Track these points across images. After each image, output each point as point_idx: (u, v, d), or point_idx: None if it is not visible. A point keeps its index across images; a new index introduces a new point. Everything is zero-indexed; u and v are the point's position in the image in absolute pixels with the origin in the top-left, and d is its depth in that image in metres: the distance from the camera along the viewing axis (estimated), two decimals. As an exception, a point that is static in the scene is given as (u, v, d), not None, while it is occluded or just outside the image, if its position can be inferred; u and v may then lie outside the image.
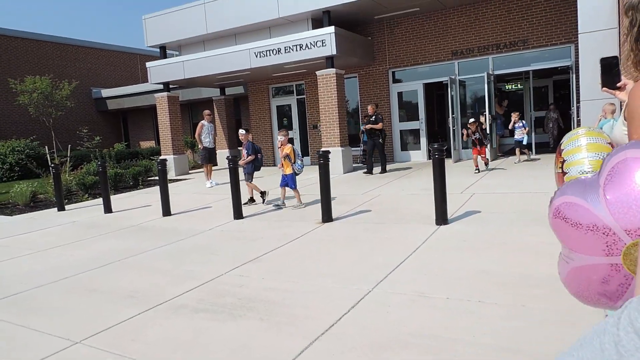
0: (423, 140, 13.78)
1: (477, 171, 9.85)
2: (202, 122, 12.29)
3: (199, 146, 12.31)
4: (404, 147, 14.05)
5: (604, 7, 8.82)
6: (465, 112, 13.34)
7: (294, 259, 4.98)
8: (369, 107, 11.64)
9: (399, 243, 5.17)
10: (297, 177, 7.83)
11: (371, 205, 7.44)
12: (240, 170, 7.82)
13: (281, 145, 7.87)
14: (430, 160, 9.12)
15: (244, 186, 8.06)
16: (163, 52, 15.20)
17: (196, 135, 12.32)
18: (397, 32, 13.56)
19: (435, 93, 16.74)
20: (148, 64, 15.11)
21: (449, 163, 11.03)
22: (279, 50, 12.42)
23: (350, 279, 4.15)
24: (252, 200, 8.49)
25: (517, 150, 11.28)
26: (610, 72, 1.81)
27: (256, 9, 12.77)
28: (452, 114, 12.52)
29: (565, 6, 11.41)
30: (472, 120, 10.31)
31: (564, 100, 15.73)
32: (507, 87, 18.05)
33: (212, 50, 13.82)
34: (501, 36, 12.26)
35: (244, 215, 7.38)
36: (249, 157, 8.26)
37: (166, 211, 8.16)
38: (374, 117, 11.45)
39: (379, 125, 11.35)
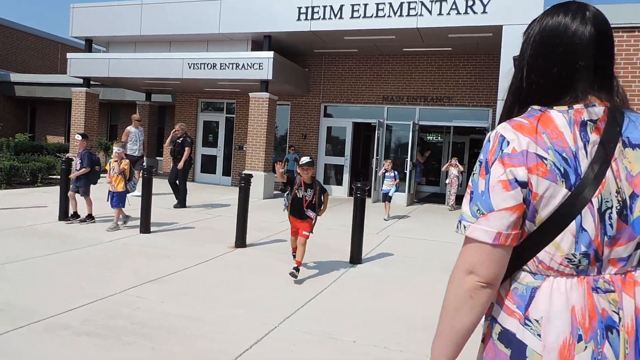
0: (346, 177, 14.00)
1: (294, 275, 4.82)
2: (128, 128, 11.28)
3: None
4: (327, 181, 14.17)
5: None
6: (388, 155, 13.81)
7: (199, 283, 4.66)
8: (177, 127, 9.92)
9: (312, 278, 5.05)
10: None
11: (287, 235, 7.24)
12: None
13: (118, 159, 6.96)
14: (351, 197, 9.16)
15: (135, 199, 7.53)
16: (89, 45, 14.25)
17: None
18: (333, 69, 13.86)
19: (363, 133, 17.26)
20: (69, 55, 14.06)
21: (368, 202, 11.22)
22: (214, 66, 12.14)
23: (258, 311, 3.93)
24: (76, 215, 7.33)
25: (385, 204, 9.66)
26: None
27: (196, 20, 12.46)
28: (377, 155, 12.88)
29: (488, 72, 12.35)
30: (306, 160, 4.99)
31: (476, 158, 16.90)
32: (428, 137, 19.07)
33: (143, 53, 13.19)
34: (430, 90, 12.96)
35: (151, 230, 6.88)
36: (82, 169, 7.16)
37: (64, 215, 7.41)
38: (181, 138, 9.66)
39: (187, 153, 9.55)
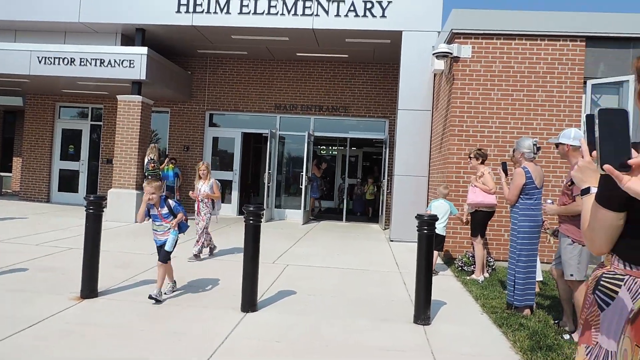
0: (235, 194, 12.57)
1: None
2: None
3: None
4: (213, 198, 12.59)
5: (421, 90, 9.15)
6: (281, 169, 12.72)
7: (6, 370, 2.99)
8: None
9: (189, 341, 3.62)
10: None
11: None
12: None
13: None
14: (241, 217, 7.81)
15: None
16: None
17: None
18: (220, 73, 12.43)
19: (253, 145, 15.99)
20: None
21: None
22: (72, 61, 10.02)
23: None
24: None
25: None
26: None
27: (49, 5, 10.24)
28: (269, 169, 11.67)
29: (384, 83, 11.87)
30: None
31: (368, 172, 16.73)
32: (321, 150, 18.35)
33: (-24, 42, 10.57)
34: (325, 99, 12.14)
35: (-43, 276, 4.88)
36: None
37: None
38: None
39: None
